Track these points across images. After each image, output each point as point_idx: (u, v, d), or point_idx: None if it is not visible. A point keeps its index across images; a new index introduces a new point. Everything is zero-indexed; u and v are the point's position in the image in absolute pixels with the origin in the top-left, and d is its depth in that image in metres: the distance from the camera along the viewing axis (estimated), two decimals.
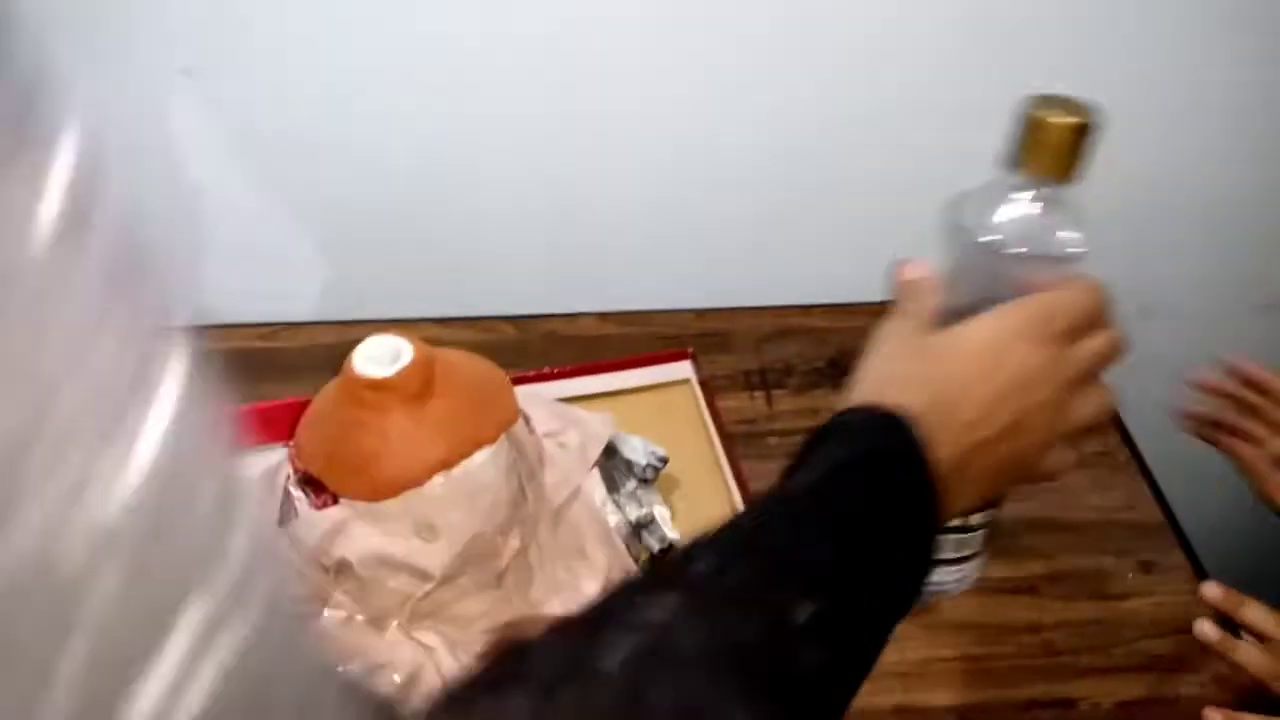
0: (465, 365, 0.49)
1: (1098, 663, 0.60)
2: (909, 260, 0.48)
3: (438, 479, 0.45)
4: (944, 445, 0.38)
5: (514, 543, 0.50)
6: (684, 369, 0.77)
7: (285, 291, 0.83)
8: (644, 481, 0.64)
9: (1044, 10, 0.74)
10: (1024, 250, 0.46)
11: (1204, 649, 0.57)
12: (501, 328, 0.83)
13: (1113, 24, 0.75)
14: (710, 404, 0.74)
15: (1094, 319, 0.44)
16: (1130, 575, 0.65)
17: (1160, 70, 0.76)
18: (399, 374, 0.44)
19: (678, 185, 0.81)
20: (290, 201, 0.79)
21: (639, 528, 0.62)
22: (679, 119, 0.77)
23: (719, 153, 0.79)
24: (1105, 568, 0.65)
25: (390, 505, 0.45)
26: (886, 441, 0.37)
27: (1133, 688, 0.59)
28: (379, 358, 0.45)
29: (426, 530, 0.46)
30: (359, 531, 0.46)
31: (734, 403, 0.78)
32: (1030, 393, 0.41)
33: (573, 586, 0.53)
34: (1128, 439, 0.75)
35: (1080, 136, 0.45)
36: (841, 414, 0.40)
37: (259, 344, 0.81)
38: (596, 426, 0.62)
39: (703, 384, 0.76)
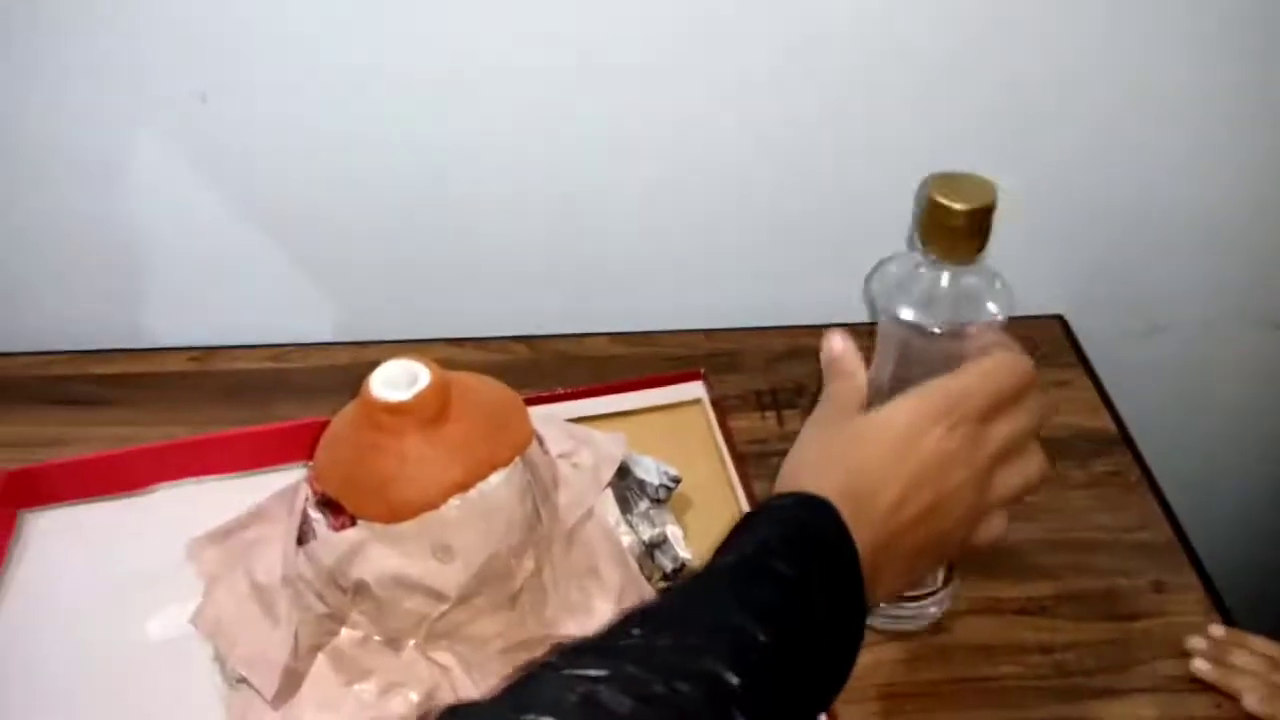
0: (480, 388, 0.49)
1: (1111, 684, 0.60)
2: (834, 332, 0.49)
3: (454, 501, 0.46)
4: (864, 528, 0.39)
5: (528, 564, 0.50)
6: (695, 389, 0.78)
7: (296, 313, 0.84)
8: (657, 501, 0.64)
9: (1048, 26, 0.74)
10: (937, 328, 0.46)
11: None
12: (514, 348, 0.84)
13: (1113, 38, 0.75)
14: (722, 424, 0.75)
15: (1015, 393, 0.45)
16: (1143, 595, 0.65)
17: (1155, 79, 0.77)
18: (416, 398, 0.45)
19: (686, 205, 0.81)
20: (298, 221, 0.80)
21: (652, 548, 0.63)
22: (689, 138, 0.78)
23: (727, 170, 0.80)
24: (1117, 588, 0.66)
25: (407, 527, 0.46)
26: (813, 522, 0.38)
27: (1146, 709, 0.59)
28: (396, 381, 0.46)
29: (443, 552, 0.46)
30: (376, 553, 0.47)
31: (745, 423, 0.78)
32: (948, 475, 0.41)
33: (585, 607, 0.53)
34: (1138, 458, 0.75)
35: (979, 219, 0.45)
36: (769, 499, 0.42)
37: (270, 365, 0.82)
38: (609, 447, 0.63)
39: (714, 404, 0.77)
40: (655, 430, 0.76)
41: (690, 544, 0.68)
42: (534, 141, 0.77)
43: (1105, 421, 0.77)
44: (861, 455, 0.42)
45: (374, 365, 0.81)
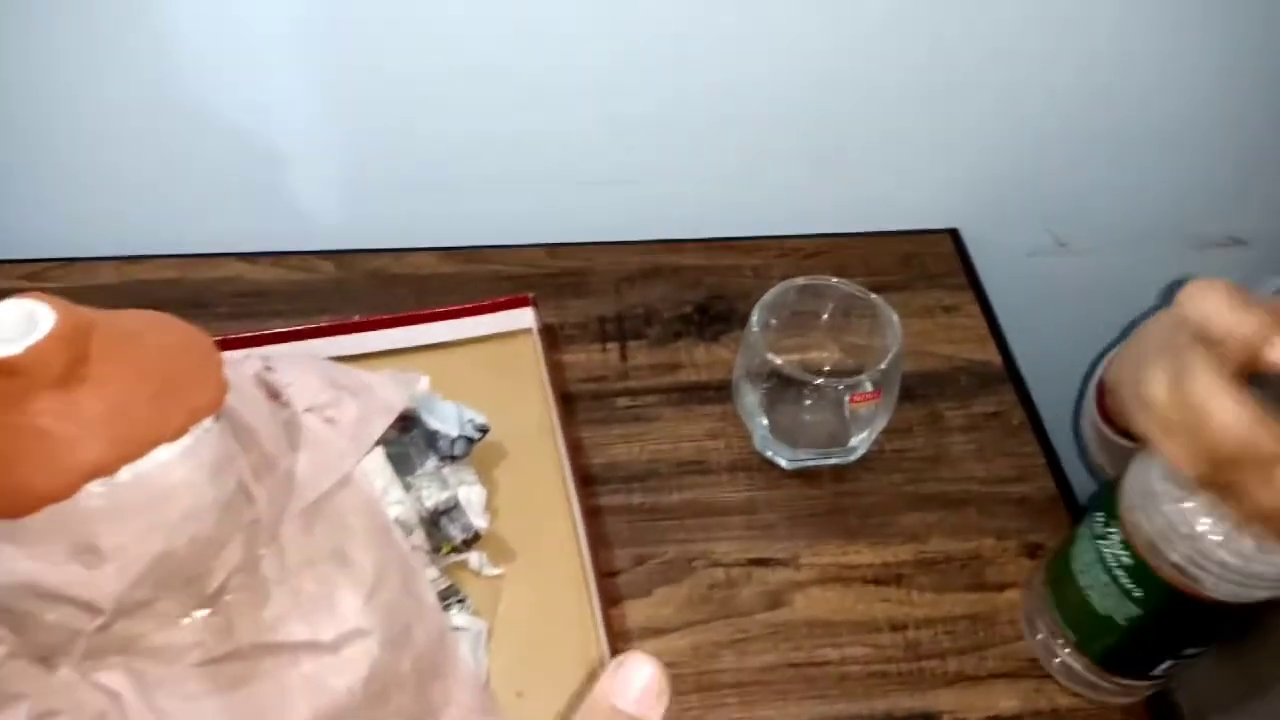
0: (144, 333, 0.38)
1: (967, 668, 0.52)
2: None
3: (94, 488, 0.35)
4: None
5: (232, 556, 0.40)
6: (525, 317, 0.66)
7: (71, 219, 0.71)
8: (451, 458, 0.54)
9: None
10: None
11: None
12: (318, 265, 0.71)
13: None
14: (550, 359, 0.64)
15: None
16: (1011, 561, 0.57)
17: None
18: (31, 351, 0.33)
19: (528, 96, 0.69)
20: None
21: (439, 515, 0.53)
22: (529, 15, 0.64)
23: (581, 60, 0.67)
24: (984, 552, 0.57)
25: (34, 523, 0.35)
26: None
27: (1005, 698, 0.51)
28: (5, 330, 0.34)
29: (87, 553, 0.36)
30: (3, 554, 0.36)
31: (583, 356, 0.68)
32: None
33: (326, 602, 0.43)
34: (1024, 398, 0.66)
35: None
36: None
37: (23, 284, 0.69)
38: (387, 393, 0.52)
39: (545, 334, 0.66)
40: (477, 366, 0.65)
41: (501, 500, 0.58)
42: (354, 26, 0.63)
43: (992, 354, 0.68)
44: None
45: (146, 285, 0.69)
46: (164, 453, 0.37)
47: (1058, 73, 0.71)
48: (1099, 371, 0.55)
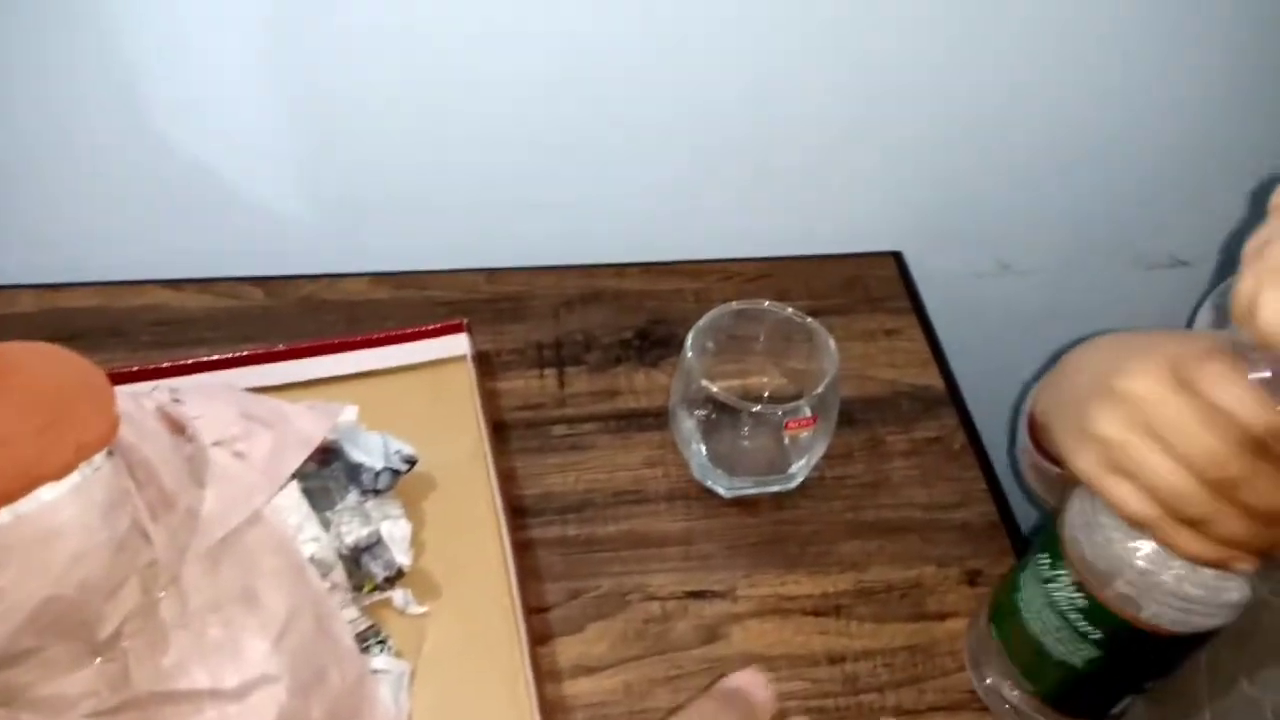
0: (25, 366, 0.36)
1: (906, 702, 0.51)
2: None
3: None
4: None
5: (128, 600, 0.38)
6: (460, 343, 0.65)
7: None
8: (374, 491, 0.52)
9: None
10: None
11: None
12: (245, 291, 0.69)
13: None
14: (482, 386, 0.62)
15: None
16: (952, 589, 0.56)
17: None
18: None
19: (465, 121, 0.67)
20: None
21: (360, 552, 0.51)
22: (477, 47, 0.63)
23: (517, 84, 0.65)
24: (924, 580, 0.56)
25: None
26: None
27: None
28: None
29: None
30: None
31: (520, 383, 0.66)
32: None
33: (231, 647, 0.41)
34: (966, 421, 0.65)
35: None
36: None
37: None
38: (305, 425, 0.50)
39: (479, 361, 0.64)
40: (409, 394, 0.63)
41: (430, 535, 0.56)
42: (289, 56, 0.61)
43: (934, 377, 0.67)
44: None
45: (66, 314, 0.67)
46: (49, 491, 0.35)
47: (996, 96, 0.70)
48: (1028, 401, 0.54)
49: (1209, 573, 0.39)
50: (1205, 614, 0.40)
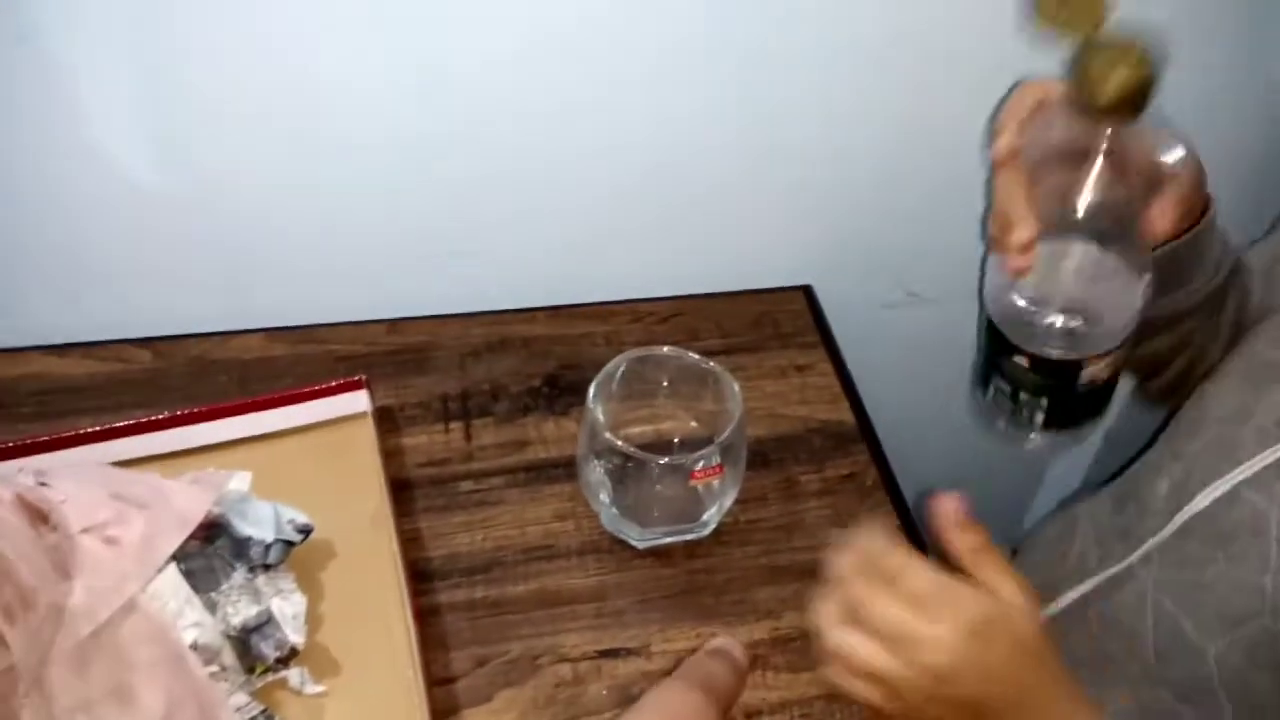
0: None
1: None
2: None
3: None
4: None
5: None
6: (359, 400, 0.62)
7: None
8: (265, 566, 0.50)
9: None
10: None
11: None
12: (132, 354, 0.66)
13: None
14: (383, 444, 0.60)
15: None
16: None
17: (908, 26, 0.66)
18: None
19: (360, 167, 0.65)
20: None
21: (248, 633, 0.48)
22: (345, 103, 0.61)
23: (416, 127, 0.64)
24: None
25: None
26: None
27: None
28: None
29: None
30: None
31: (424, 438, 0.64)
32: None
33: None
34: (877, 456, 0.65)
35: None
36: None
37: None
38: (184, 502, 0.47)
39: (380, 417, 0.62)
40: (307, 456, 0.61)
41: (330, 605, 0.54)
42: (176, 106, 0.59)
43: (845, 413, 0.67)
44: None
45: None
46: None
47: (892, 129, 0.71)
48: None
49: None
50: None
